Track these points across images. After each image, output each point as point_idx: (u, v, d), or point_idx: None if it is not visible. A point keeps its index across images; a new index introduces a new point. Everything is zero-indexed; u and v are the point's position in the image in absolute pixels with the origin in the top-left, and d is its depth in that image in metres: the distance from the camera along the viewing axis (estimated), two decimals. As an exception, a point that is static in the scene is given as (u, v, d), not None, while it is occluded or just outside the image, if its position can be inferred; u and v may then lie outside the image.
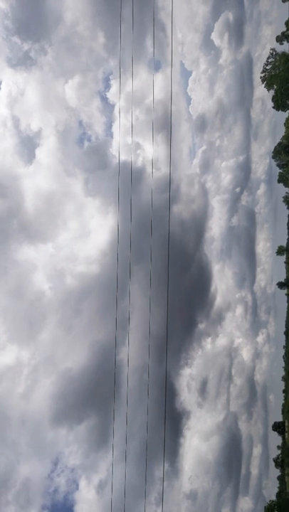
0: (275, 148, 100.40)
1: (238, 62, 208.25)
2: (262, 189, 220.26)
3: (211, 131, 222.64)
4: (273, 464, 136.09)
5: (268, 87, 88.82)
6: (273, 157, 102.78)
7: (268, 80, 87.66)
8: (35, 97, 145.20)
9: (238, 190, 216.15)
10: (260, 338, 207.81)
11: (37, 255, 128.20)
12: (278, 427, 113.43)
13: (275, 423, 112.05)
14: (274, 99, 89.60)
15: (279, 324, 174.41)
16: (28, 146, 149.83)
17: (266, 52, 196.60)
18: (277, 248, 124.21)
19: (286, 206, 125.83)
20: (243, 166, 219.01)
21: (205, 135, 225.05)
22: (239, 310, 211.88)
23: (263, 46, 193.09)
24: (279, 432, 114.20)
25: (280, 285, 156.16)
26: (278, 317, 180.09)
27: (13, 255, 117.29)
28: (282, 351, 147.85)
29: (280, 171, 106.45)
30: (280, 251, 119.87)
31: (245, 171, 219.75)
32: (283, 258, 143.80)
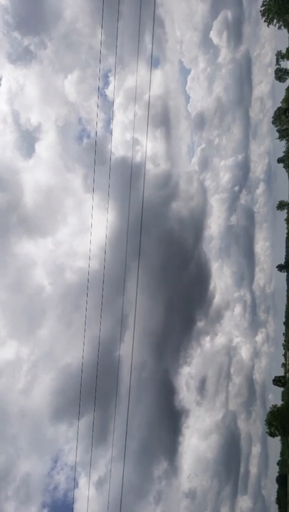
0: (275, 112, 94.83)
1: (237, 61, 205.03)
2: (261, 188, 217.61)
3: (209, 130, 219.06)
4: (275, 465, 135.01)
5: (269, 20, 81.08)
6: (273, 122, 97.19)
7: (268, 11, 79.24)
8: (34, 91, 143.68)
9: (236, 188, 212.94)
10: (259, 338, 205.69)
11: (36, 250, 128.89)
12: (279, 381, 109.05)
13: (275, 377, 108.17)
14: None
15: (278, 324, 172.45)
16: (27, 140, 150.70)
17: (265, 52, 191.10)
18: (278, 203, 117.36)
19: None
20: (242, 165, 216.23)
21: (204, 133, 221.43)
22: (238, 309, 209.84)
23: (262, 46, 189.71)
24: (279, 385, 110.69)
25: (280, 268, 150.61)
26: (277, 317, 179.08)
27: (12, 249, 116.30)
28: (281, 351, 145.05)
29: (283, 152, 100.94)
30: (281, 206, 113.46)
31: (244, 169, 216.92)
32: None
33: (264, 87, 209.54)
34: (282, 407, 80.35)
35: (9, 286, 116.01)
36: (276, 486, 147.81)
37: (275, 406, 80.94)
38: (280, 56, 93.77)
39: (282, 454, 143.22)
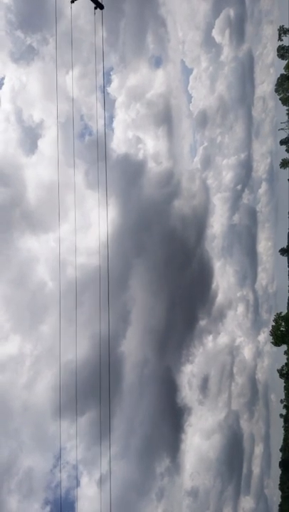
0: (278, 80, 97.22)
1: (239, 60, 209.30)
2: (263, 188, 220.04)
3: (212, 128, 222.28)
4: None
5: None
6: (276, 91, 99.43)
7: None
8: (37, 88, 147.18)
9: (239, 187, 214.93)
10: (261, 337, 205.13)
11: (39, 246, 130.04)
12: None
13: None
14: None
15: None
16: (30, 136, 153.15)
17: (267, 52, 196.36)
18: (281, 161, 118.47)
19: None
20: (244, 164, 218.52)
21: (206, 132, 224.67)
22: (241, 308, 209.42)
23: (264, 45, 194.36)
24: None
25: (282, 251, 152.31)
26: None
27: (15, 244, 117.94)
28: (283, 350, 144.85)
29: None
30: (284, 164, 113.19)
31: (246, 169, 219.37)
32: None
33: (266, 86, 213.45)
34: (287, 314, 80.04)
35: (12, 281, 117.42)
36: (278, 485, 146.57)
37: (279, 313, 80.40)
38: (283, 32, 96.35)
39: (285, 439, 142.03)
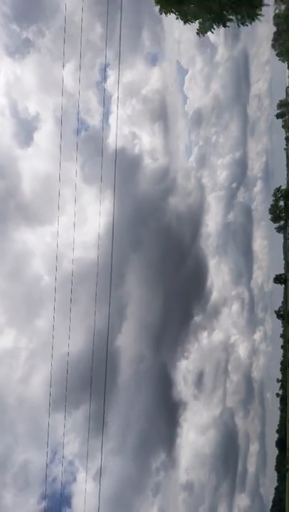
0: (274, 34, 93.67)
1: (235, 59, 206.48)
2: (258, 186, 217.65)
3: (207, 127, 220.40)
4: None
5: None
6: (273, 46, 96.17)
7: None
8: (32, 80, 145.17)
9: (234, 185, 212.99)
10: (257, 336, 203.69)
11: (34, 238, 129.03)
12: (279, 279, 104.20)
13: (276, 275, 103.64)
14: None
15: (276, 322, 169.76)
16: (26, 129, 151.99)
17: (263, 51, 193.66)
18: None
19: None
20: (239, 163, 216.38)
21: (201, 131, 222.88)
22: (235, 306, 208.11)
23: (260, 44, 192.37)
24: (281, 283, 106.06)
25: (279, 229, 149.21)
26: (275, 315, 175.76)
27: (10, 236, 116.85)
28: (279, 350, 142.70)
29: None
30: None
31: (241, 167, 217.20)
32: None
33: (261, 85, 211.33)
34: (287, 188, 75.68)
35: (7, 274, 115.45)
36: (274, 484, 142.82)
37: (279, 187, 75.46)
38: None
39: (281, 419, 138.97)
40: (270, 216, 74.73)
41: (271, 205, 72.73)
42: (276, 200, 72.20)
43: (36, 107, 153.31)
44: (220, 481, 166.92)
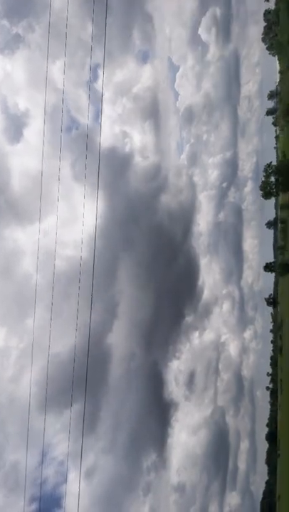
0: (265, 28, 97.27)
1: (226, 59, 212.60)
2: (249, 187, 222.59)
3: (198, 125, 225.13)
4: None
5: None
6: (263, 40, 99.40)
7: None
8: (22, 76, 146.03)
9: (225, 185, 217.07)
10: (247, 334, 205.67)
11: (24, 236, 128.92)
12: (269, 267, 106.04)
13: (266, 263, 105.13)
14: None
15: (266, 321, 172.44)
16: (15, 124, 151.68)
17: (253, 52, 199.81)
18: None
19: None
20: (230, 163, 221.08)
21: (192, 129, 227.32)
22: (226, 305, 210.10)
23: (250, 45, 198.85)
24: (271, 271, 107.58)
25: (269, 224, 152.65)
26: (265, 314, 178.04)
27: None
28: (269, 348, 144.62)
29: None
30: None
31: (232, 167, 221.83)
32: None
33: (252, 86, 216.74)
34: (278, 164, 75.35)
35: None
36: (265, 478, 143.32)
37: (269, 163, 75.28)
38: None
39: (270, 412, 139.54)
40: (260, 193, 76.69)
41: (262, 181, 74.29)
42: (267, 176, 73.81)
43: (26, 103, 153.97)
44: (211, 480, 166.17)
